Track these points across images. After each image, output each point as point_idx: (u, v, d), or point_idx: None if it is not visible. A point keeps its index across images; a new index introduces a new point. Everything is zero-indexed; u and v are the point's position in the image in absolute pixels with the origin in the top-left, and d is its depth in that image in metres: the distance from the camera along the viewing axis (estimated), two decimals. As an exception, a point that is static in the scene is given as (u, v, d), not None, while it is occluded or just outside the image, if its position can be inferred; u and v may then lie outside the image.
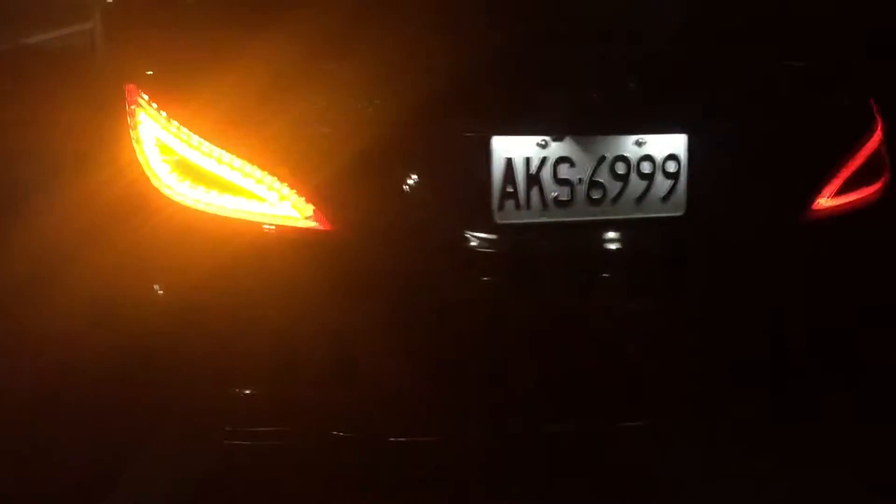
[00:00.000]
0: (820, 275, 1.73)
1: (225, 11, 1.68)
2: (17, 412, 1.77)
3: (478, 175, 1.53)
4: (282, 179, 1.49)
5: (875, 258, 1.81)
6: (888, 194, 1.85)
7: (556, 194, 1.56)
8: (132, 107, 1.53)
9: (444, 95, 1.51)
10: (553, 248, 1.59)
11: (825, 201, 1.74)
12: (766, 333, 1.71)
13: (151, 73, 1.56)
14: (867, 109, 1.84)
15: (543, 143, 1.55)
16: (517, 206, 1.55)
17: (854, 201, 1.78)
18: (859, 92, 1.86)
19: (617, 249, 1.63)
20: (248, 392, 1.56)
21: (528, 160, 1.54)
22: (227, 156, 1.49)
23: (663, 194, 1.61)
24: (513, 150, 1.54)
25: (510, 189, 1.54)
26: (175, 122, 1.50)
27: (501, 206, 1.54)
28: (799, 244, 1.72)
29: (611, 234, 1.63)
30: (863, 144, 1.78)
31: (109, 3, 2.06)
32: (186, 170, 1.50)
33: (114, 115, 1.56)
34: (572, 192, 1.57)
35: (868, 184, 1.80)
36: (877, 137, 1.82)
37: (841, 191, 1.75)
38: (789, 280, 1.71)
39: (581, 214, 1.59)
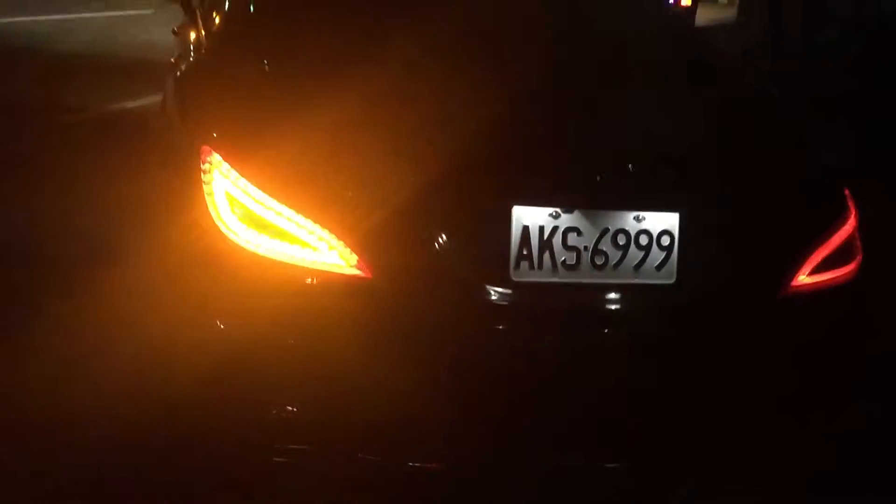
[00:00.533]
0: (795, 343, 1.99)
1: (279, 87, 2.00)
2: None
3: (499, 238, 1.80)
4: (332, 232, 1.74)
5: (850, 332, 2.09)
6: (862, 274, 2.11)
7: (564, 258, 1.83)
8: (205, 165, 1.80)
9: (474, 169, 1.82)
10: (560, 305, 1.86)
11: (804, 278, 1.99)
12: (744, 393, 1.97)
13: (221, 136, 1.85)
14: (842, 199, 2.13)
15: (555, 214, 1.82)
16: (531, 266, 1.81)
17: (831, 279, 2.03)
18: (835, 184, 2.17)
19: (615, 309, 1.90)
20: (294, 415, 1.82)
21: (541, 228, 1.81)
22: (286, 210, 1.75)
23: (657, 264, 1.87)
24: (529, 218, 1.81)
25: (525, 252, 1.81)
26: (241, 179, 1.77)
27: (517, 266, 1.81)
28: (779, 315, 1.98)
29: (611, 296, 1.89)
30: (837, 230, 2.05)
31: (180, 75, 2.48)
32: (251, 220, 1.76)
33: (189, 171, 1.84)
34: (578, 257, 1.84)
35: (843, 264, 2.06)
36: (850, 224, 2.09)
37: (818, 269, 2.01)
38: (767, 347, 1.97)
39: (586, 277, 1.85)
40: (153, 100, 4.44)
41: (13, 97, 5.78)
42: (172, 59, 3.00)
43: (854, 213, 2.13)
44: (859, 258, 2.12)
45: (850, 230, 2.09)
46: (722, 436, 1.97)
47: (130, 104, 5.96)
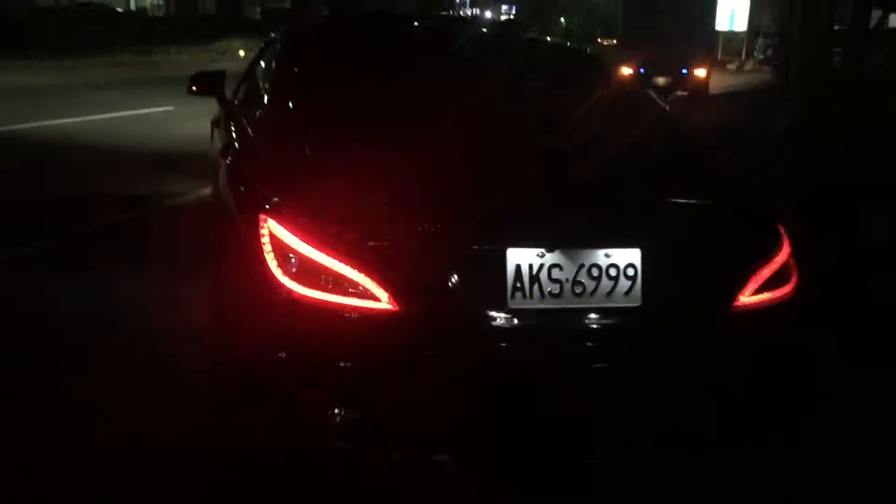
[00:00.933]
0: (741, 353, 2.43)
1: (317, 167, 2.50)
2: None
3: (497, 274, 2.28)
4: (367, 276, 2.23)
5: (788, 345, 2.53)
6: (799, 294, 2.54)
7: (550, 289, 2.31)
8: (263, 228, 2.30)
9: (478, 222, 2.33)
10: (547, 326, 2.33)
11: (745, 298, 2.45)
12: (696, 397, 2.42)
13: (275, 204, 2.33)
14: (776, 232, 2.58)
15: (541, 254, 2.30)
16: (524, 296, 2.30)
17: (770, 299, 2.48)
18: (770, 219, 2.63)
19: (593, 328, 2.36)
20: (341, 418, 2.29)
21: (531, 265, 2.30)
22: (330, 260, 2.23)
23: (625, 291, 2.35)
24: (521, 258, 2.29)
25: (518, 284, 2.29)
26: (292, 238, 2.27)
27: (513, 296, 2.29)
28: (726, 329, 2.44)
29: (588, 317, 2.36)
30: (772, 258, 2.50)
31: (231, 162, 3.02)
32: (300, 270, 2.25)
33: (250, 233, 2.34)
34: (561, 287, 2.32)
35: (780, 286, 2.51)
36: (784, 253, 2.53)
37: (757, 291, 2.47)
38: (717, 355, 2.42)
39: (568, 303, 2.33)
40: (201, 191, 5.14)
41: (80, 191, 6.49)
42: (213, 147, 3.52)
43: (787, 242, 2.55)
44: (795, 280, 2.54)
45: (785, 258, 2.52)
46: (684, 425, 2.44)
47: (181, 192, 6.67)
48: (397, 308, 2.23)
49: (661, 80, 17.61)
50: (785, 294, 2.52)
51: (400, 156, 2.47)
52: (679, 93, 17.65)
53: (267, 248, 2.27)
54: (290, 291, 2.24)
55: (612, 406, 2.34)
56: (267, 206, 2.32)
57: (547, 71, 3.55)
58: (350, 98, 2.98)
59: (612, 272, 2.35)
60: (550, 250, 2.32)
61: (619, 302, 2.35)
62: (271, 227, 2.28)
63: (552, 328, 2.34)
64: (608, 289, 2.35)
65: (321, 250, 2.24)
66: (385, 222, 2.27)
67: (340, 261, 2.23)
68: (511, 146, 2.69)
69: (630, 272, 2.35)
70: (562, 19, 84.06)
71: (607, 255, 2.34)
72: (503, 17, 79.80)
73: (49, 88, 15.10)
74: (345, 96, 3.00)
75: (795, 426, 2.59)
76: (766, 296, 2.48)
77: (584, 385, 2.33)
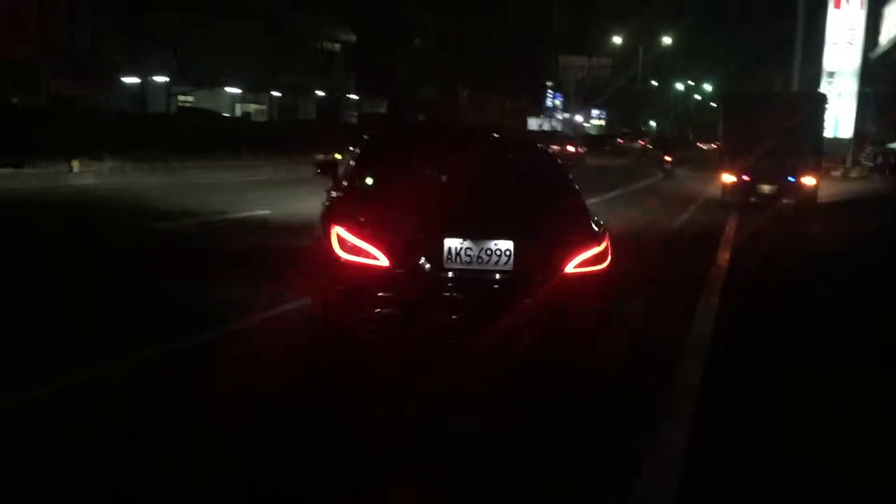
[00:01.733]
0: (569, 296, 4.82)
1: (364, 204, 5.28)
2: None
3: (438, 252, 4.75)
4: (376, 250, 4.74)
5: (600, 293, 4.96)
6: (612, 269, 5.00)
7: (465, 260, 4.77)
8: (332, 229, 4.84)
9: (431, 227, 4.83)
10: (463, 278, 4.76)
11: (570, 269, 4.86)
12: (539, 314, 4.82)
13: (339, 220, 4.92)
14: (599, 233, 5.10)
15: (461, 242, 4.73)
16: (451, 262, 4.73)
17: (587, 271, 4.91)
18: (598, 226, 5.22)
19: (488, 279, 4.81)
20: (367, 314, 4.81)
21: (455, 247, 4.74)
22: (358, 242, 4.76)
23: (505, 262, 4.77)
24: (451, 243, 4.76)
25: (449, 257, 4.73)
26: (344, 233, 4.80)
27: (447, 262, 4.73)
28: (559, 284, 4.79)
29: (486, 276, 4.80)
30: (591, 251, 4.92)
31: (328, 205, 5.52)
32: (344, 248, 4.78)
33: (328, 232, 4.91)
34: (471, 259, 4.75)
35: (597, 264, 4.95)
36: (602, 249, 4.97)
37: (580, 266, 4.89)
38: (551, 295, 4.77)
39: (475, 265, 4.76)
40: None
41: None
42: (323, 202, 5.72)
43: (606, 240, 5.03)
44: (609, 263, 4.99)
45: (602, 251, 4.97)
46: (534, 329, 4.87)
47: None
48: (389, 265, 4.74)
49: (766, 188, 16.95)
50: (602, 269, 4.96)
51: (400, 201, 5.11)
52: (785, 201, 16.88)
53: (333, 238, 4.81)
54: (339, 257, 4.77)
55: (490, 309, 4.79)
56: (335, 221, 4.92)
57: (500, 155, 6.17)
58: (384, 176, 5.74)
59: (498, 253, 4.79)
60: (465, 240, 4.78)
61: (501, 268, 4.80)
62: (336, 230, 4.83)
63: (465, 279, 4.79)
64: (496, 261, 4.79)
65: (355, 237, 4.77)
66: (389, 225, 4.86)
67: (363, 243, 4.75)
68: (462, 193, 5.30)
69: (508, 253, 4.79)
70: (652, 122, 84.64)
71: (496, 244, 4.80)
72: (593, 121, 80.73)
73: (232, 184, 17.06)
74: (382, 175, 5.75)
75: (594, 332, 5.05)
76: (584, 269, 4.91)
77: (481, 298, 4.83)
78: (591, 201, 6.16)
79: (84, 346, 5.08)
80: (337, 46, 46.91)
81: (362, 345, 4.86)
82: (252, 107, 44.15)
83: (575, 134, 48.65)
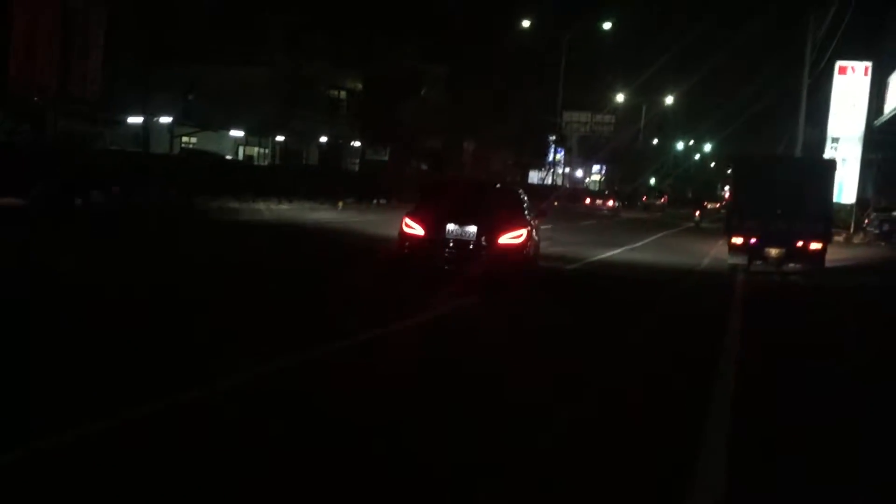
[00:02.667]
0: (500, 256, 11.50)
1: (418, 209, 12.46)
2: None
3: (443, 229, 11.50)
4: (419, 227, 11.64)
5: (519, 254, 11.73)
6: (526, 241, 11.80)
7: (457, 233, 11.47)
8: (405, 220, 11.95)
9: (444, 217, 11.64)
10: (454, 241, 11.42)
11: (503, 240, 11.54)
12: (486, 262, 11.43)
13: (408, 213, 12.18)
14: (526, 223, 12.10)
15: (454, 225, 11.31)
16: (449, 234, 11.38)
17: (512, 241, 11.57)
18: (527, 217, 12.47)
19: (465, 241, 11.46)
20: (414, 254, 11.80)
21: (451, 227, 11.35)
22: (412, 223, 11.75)
23: (472, 235, 11.36)
24: (450, 226, 11.50)
25: (448, 231, 11.34)
26: (408, 220, 11.83)
27: (448, 234, 11.37)
28: (497, 248, 11.50)
29: (464, 241, 11.46)
30: (521, 231, 11.60)
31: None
32: (407, 225, 11.76)
33: (403, 219, 12.03)
34: (458, 233, 11.38)
35: (521, 238, 11.68)
36: (526, 231, 11.83)
37: (507, 239, 11.54)
38: (489, 254, 11.46)
39: (458, 237, 11.46)
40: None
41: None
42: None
43: (525, 228, 11.85)
44: (524, 239, 11.69)
45: (528, 232, 11.85)
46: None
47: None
48: (424, 234, 11.52)
49: (773, 252, 16.74)
50: (522, 240, 11.66)
51: (431, 208, 12.09)
52: (792, 265, 16.69)
53: (405, 222, 11.71)
54: (405, 231, 11.66)
55: (465, 256, 11.40)
56: (406, 214, 11.99)
57: (490, 191, 14.94)
58: (428, 198, 13.19)
59: (469, 231, 11.43)
60: (455, 225, 11.48)
61: (470, 238, 11.41)
62: (405, 219, 11.77)
63: (455, 241, 11.45)
64: (468, 235, 11.41)
65: (412, 221, 11.70)
66: (425, 216, 11.77)
67: (415, 224, 11.63)
68: (461, 206, 11.96)
69: (473, 232, 11.40)
70: (651, 180, 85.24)
71: (468, 227, 11.45)
72: (593, 176, 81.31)
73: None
74: (428, 198, 13.24)
75: (514, 270, 11.49)
76: (510, 240, 11.53)
77: (461, 251, 11.43)
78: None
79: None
80: (343, 94, 47.23)
81: (412, 265, 11.59)
82: (255, 150, 44.28)
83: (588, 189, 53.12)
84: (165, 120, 33.06)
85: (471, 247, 11.15)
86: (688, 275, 16.46)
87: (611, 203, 36.46)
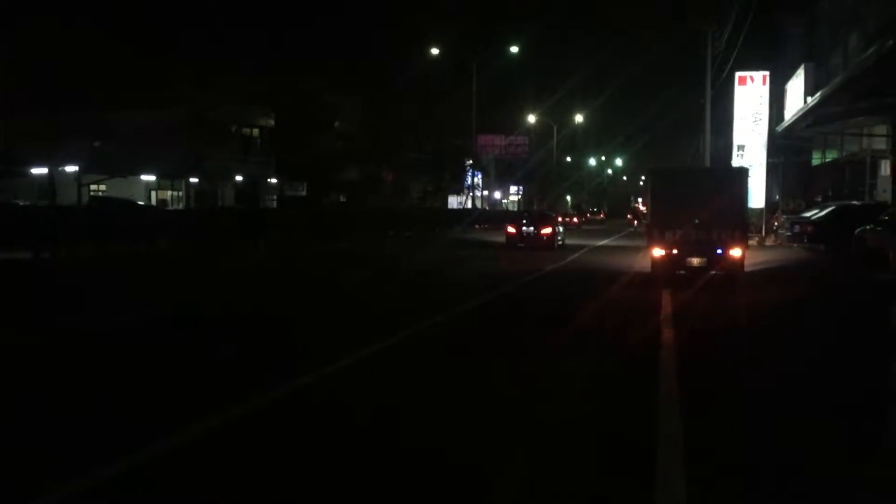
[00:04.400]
0: (550, 235, 30.06)
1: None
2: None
3: (522, 229, 30.41)
4: (513, 230, 30.92)
5: (553, 233, 30.29)
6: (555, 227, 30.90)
7: (531, 231, 30.02)
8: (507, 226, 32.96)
9: (522, 224, 31.46)
10: (529, 234, 29.64)
11: (545, 231, 30.05)
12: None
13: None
14: (555, 219, 33.49)
15: (528, 227, 29.28)
16: (527, 231, 29.41)
17: (551, 231, 30.14)
18: (554, 216, 35.02)
19: (534, 234, 29.77)
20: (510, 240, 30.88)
21: (527, 228, 29.53)
22: (510, 228, 31.82)
23: (534, 231, 29.67)
24: (526, 229, 30.40)
25: (527, 231, 29.19)
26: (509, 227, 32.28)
27: (525, 232, 29.35)
28: (548, 233, 30.14)
29: (533, 234, 29.81)
30: (555, 226, 30.39)
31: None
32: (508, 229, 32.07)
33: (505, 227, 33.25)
34: (531, 232, 29.57)
35: (554, 227, 30.64)
36: (555, 223, 31.60)
37: (551, 229, 30.14)
38: (548, 234, 30.10)
39: (531, 231, 29.92)
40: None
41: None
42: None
43: (555, 224, 31.42)
44: (552, 228, 30.35)
45: (555, 225, 31.10)
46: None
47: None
48: (514, 233, 30.41)
49: (695, 261, 17.07)
50: (552, 230, 30.22)
51: (517, 223, 31.71)
52: (714, 272, 17.08)
53: (508, 227, 31.86)
54: (507, 230, 31.56)
55: (537, 240, 29.72)
56: (506, 224, 33.87)
57: (541, 215, 34.86)
58: (515, 221, 32.67)
59: (533, 229, 30.04)
60: (529, 227, 30.22)
61: (534, 232, 29.87)
62: (508, 227, 32.16)
63: (529, 235, 29.93)
64: (534, 231, 29.91)
65: (509, 227, 31.53)
66: (512, 226, 31.55)
67: (511, 228, 31.27)
68: (529, 221, 31.26)
69: (534, 230, 29.95)
70: (568, 197, 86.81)
71: (532, 227, 30.13)
72: (511, 197, 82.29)
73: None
74: (514, 221, 32.68)
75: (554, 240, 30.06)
76: (550, 230, 30.19)
77: (534, 238, 29.79)
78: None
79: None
80: (255, 131, 46.61)
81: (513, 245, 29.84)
82: (168, 193, 43.20)
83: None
84: (72, 168, 31.94)
85: (535, 235, 29.45)
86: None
87: (576, 220, 51.07)
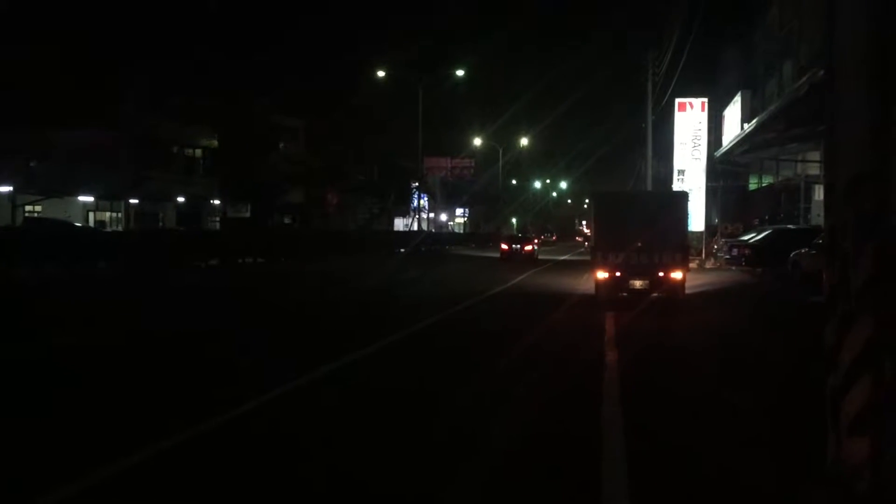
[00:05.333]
0: (530, 251, 41.48)
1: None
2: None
3: (510, 246, 41.61)
4: (506, 246, 42.13)
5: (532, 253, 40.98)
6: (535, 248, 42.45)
7: (518, 247, 41.62)
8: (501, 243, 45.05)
9: (510, 242, 43.56)
10: (515, 249, 40.18)
11: (528, 248, 41.19)
12: None
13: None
14: (532, 240, 44.53)
15: (515, 244, 40.33)
16: (514, 248, 39.95)
17: (531, 247, 41.21)
18: (531, 238, 47.35)
19: (521, 249, 41.13)
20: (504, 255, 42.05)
21: (514, 245, 40.86)
22: (503, 244, 43.36)
23: (520, 247, 41.02)
24: (513, 245, 42.39)
25: (513, 248, 39.72)
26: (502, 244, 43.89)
27: (512, 248, 40.07)
28: (529, 249, 41.53)
29: (521, 248, 40.92)
30: (533, 245, 41.55)
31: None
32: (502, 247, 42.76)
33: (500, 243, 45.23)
34: (517, 247, 40.37)
35: (533, 246, 41.98)
36: (535, 243, 43.37)
37: (530, 247, 41.08)
38: (529, 250, 41.48)
39: (518, 247, 41.08)
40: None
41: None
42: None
43: (534, 240, 45.17)
44: (532, 246, 41.85)
45: (533, 244, 42.59)
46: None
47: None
48: (507, 250, 40.81)
49: (637, 283, 17.29)
50: (532, 248, 41.48)
51: (508, 242, 43.49)
52: (655, 294, 17.32)
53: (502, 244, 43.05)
54: (501, 247, 42.09)
55: (523, 253, 40.67)
56: (500, 242, 45.77)
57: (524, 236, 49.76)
58: (507, 241, 44.08)
59: (520, 245, 41.73)
60: (516, 245, 41.37)
61: (523, 250, 40.88)
62: (501, 245, 43.34)
63: (516, 250, 40.48)
64: (520, 247, 41.07)
65: (502, 244, 42.86)
66: (505, 244, 42.30)
67: (503, 245, 42.19)
68: (516, 240, 43.11)
69: (521, 245, 41.56)
70: (513, 220, 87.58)
71: (519, 244, 41.79)
72: (457, 219, 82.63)
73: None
74: (506, 241, 44.32)
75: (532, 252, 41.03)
76: (530, 248, 41.37)
77: (520, 252, 40.68)
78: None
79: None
80: (198, 152, 45.97)
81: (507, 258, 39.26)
82: (107, 214, 42.26)
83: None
84: (6, 189, 31.03)
85: (520, 250, 40.00)
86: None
87: (536, 241, 52.34)
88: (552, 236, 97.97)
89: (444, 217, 75.76)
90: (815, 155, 26.86)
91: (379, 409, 7.22)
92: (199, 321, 13.69)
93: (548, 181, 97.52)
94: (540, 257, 41.27)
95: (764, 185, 35.13)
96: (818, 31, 21.89)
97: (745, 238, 26.56)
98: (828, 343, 4.35)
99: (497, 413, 7.13)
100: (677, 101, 34.02)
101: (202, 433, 6.16)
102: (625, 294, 17.23)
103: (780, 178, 32.03)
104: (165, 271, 24.04)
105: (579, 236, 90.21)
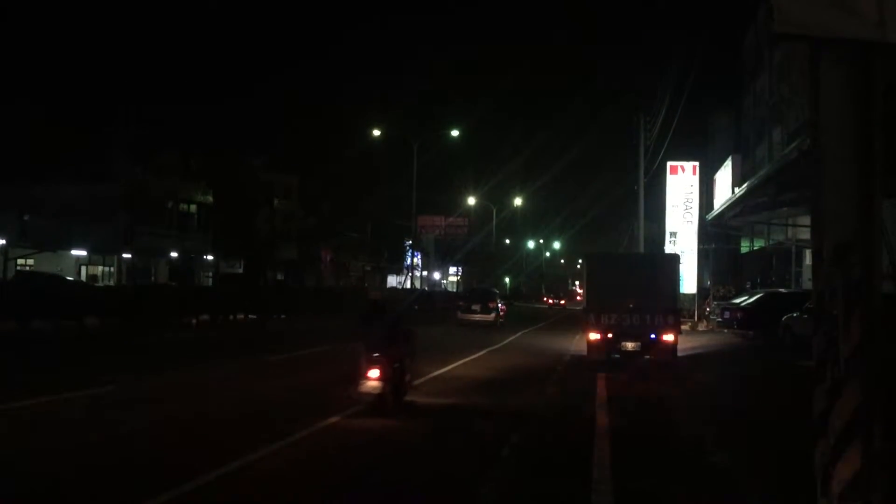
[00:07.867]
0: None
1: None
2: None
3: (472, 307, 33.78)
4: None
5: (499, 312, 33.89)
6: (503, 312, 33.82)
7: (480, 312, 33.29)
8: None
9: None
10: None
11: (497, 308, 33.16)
12: None
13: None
14: (500, 307, 33.90)
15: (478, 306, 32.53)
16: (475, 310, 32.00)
17: (503, 309, 34.74)
18: (497, 296, 35.39)
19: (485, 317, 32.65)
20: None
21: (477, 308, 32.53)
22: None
23: (481, 307, 32.70)
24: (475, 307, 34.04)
25: (475, 308, 32.62)
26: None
27: (473, 310, 32.55)
28: (499, 309, 33.73)
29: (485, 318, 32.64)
30: (498, 306, 32.78)
31: None
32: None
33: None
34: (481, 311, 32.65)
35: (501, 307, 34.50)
36: (499, 306, 33.57)
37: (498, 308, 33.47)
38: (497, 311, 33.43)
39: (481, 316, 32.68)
40: None
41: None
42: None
43: (497, 304, 33.07)
44: (501, 311, 33.54)
45: (500, 308, 33.54)
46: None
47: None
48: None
49: (629, 346, 17.25)
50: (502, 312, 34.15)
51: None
52: (647, 357, 17.24)
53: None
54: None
55: (486, 306, 33.28)
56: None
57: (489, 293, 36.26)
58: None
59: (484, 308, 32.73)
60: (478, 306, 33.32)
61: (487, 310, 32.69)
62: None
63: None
64: (486, 311, 32.54)
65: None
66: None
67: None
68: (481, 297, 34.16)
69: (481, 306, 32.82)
70: (507, 279, 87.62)
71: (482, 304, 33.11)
72: (451, 278, 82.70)
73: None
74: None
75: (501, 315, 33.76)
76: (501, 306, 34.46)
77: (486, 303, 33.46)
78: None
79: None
80: (193, 207, 46.15)
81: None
82: (99, 269, 42.16)
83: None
84: (-2, 242, 31.00)
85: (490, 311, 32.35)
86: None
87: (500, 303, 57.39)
88: (560, 300, 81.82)
89: (437, 275, 75.79)
90: (806, 219, 26.98)
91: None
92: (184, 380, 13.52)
93: (541, 241, 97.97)
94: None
95: (755, 248, 35.32)
96: (806, 100, 22.20)
97: (738, 301, 26.60)
98: (817, 409, 4.33)
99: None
100: (669, 164, 34.43)
101: None
102: (617, 356, 17.14)
103: (771, 242, 32.24)
104: (162, 323, 23.90)
105: (578, 296, 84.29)
